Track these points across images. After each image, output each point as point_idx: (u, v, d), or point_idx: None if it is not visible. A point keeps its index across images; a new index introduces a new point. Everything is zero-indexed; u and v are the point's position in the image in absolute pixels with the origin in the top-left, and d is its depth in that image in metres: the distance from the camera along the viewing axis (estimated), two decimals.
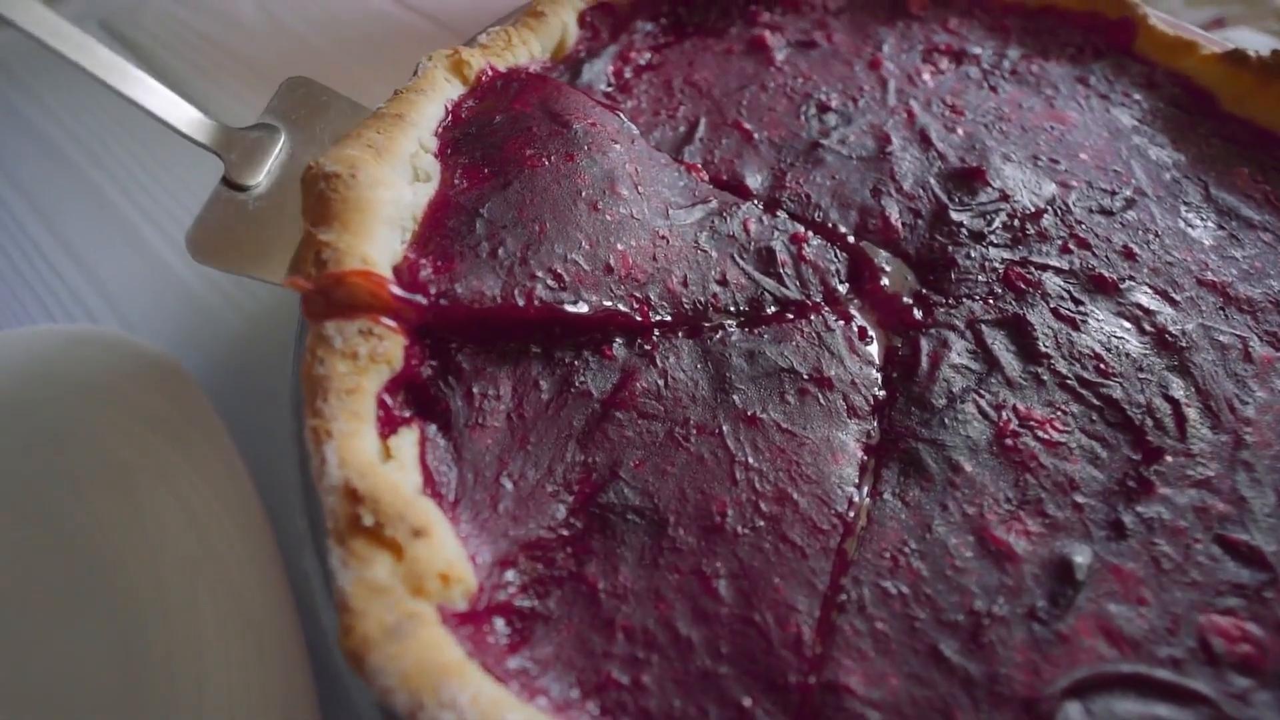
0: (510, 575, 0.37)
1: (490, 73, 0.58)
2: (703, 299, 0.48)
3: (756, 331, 0.48)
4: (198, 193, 0.78)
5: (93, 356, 0.59)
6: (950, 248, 0.53)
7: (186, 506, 0.52)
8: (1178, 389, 0.46)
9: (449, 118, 0.54)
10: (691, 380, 0.45)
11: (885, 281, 0.52)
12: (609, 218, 0.49)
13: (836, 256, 0.53)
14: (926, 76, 0.65)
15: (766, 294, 0.50)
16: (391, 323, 0.41)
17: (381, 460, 0.37)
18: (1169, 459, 0.43)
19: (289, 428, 0.46)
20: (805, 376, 0.46)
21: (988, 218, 0.55)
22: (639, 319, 0.46)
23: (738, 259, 0.51)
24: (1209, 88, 0.64)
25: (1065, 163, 0.59)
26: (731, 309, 0.49)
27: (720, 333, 0.48)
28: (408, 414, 0.41)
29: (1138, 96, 0.65)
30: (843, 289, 0.52)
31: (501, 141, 0.52)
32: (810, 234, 0.54)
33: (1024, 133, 0.61)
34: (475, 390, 0.42)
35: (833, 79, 0.64)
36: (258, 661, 0.46)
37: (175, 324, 0.69)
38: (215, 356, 0.66)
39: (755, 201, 0.55)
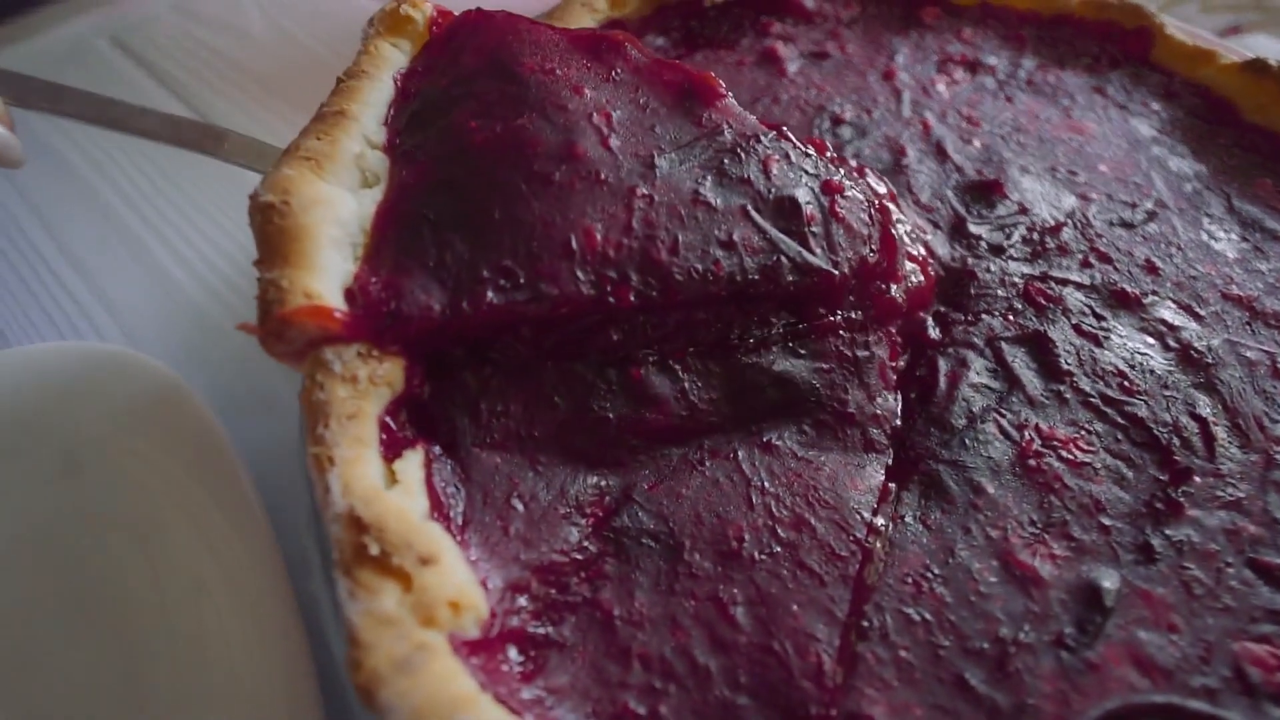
0: (523, 600, 0.36)
1: (441, 20, 0.51)
2: (700, 266, 0.42)
3: (795, 347, 0.45)
4: (205, 208, 0.78)
5: (99, 375, 0.58)
6: (969, 260, 0.52)
7: (195, 526, 0.51)
8: (1205, 407, 0.45)
9: (398, 96, 0.49)
10: (711, 406, 0.43)
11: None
12: (567, 188, 0.43)
13: (872, 220, 0.46)
14: (941, 87, 0.64)
15: (784, 260, 0.44)
16: (391, 347, 0.40)
17: (387, 485, 0.36)
18: (1197, 479, 0.42)
19: (298, 448, 0.45)
20: (827, 410, 0.44)
21: (1006, 231, 0.54)
22: (613, 301, 0.41)
23: (753, 212, 0.44)
24: (1229, 97, 0.63)
25: (1084, 175, 0.58)
26: (739, 277, 0.43)
27: (758, 354, 0.45)
28: (411, 435, 0.39)
29: (1156, 106, 0.64)
30: (874, 257, 0.46)
31: (449, 113, 0.46)
32: (848, 183, 0.46)
33: (1041, 144, 0.60)
34: (483, 407, 0.41)
35: (846, 90, 0.64)
36: (266, 686, 0.46)
37: (182, 340, 0.68)
38: (222, 373, 0.66)
39: (778, 135, 0.47)
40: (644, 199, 0.43)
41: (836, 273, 0.45)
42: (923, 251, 0.51)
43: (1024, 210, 0.55)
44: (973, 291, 0.51)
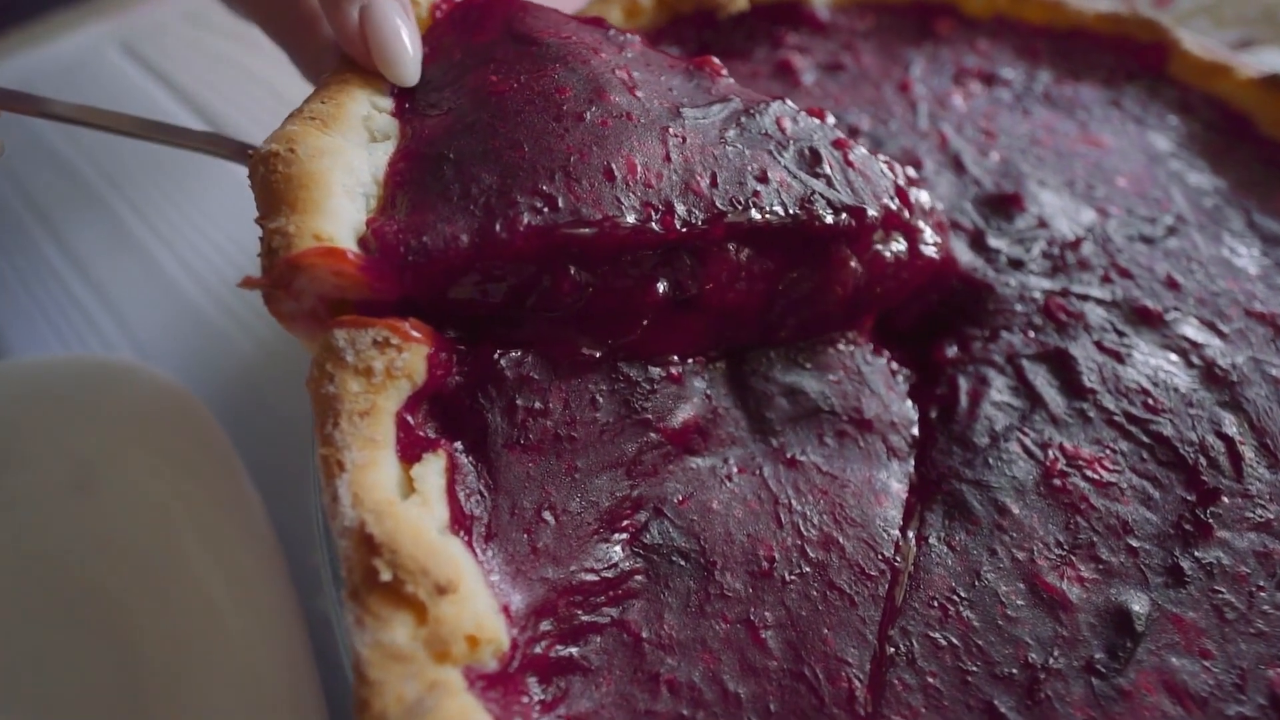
0: (546, 625, 0.34)
1: (444, 5, 0.51)
2: (742, 197, 0.42)
3: (799, 360, 0.46)
4: (214, 218, 0.78)
5: (106, 386, 0.58)
6: (989, 273, 0.52)
7: (204, 543, 0.50)
8: (1231, 425, 0.44)
9: None
10: (726, 413, 0.43)
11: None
12: (601, 125, 0.42)
13: (885, 174, 0.47)
14: (958, 99, 0.64)
15: (818, 195, 0.44)
16: (414, 333, 0.36)
17: (403, 495, 0.33)
18: (1226, 500, 0.41)
19: (305, 459, 0.44)
20: (844, 419, 0.44)
21: (1026, 245, 0.53)
22: (658, 230, 0.40)
23: (777, 156, 0.45)
24: (1246, 112, 0.62)
25: (1103, 189, 0.57)
26: (779, 209, 0.43)
27: (762, 366, 0.45)
28: (433, 434, 0.36)
29: (1173, 120, 0.63)
30: (895, 205, 0.46)
31: (463, 77, 0.45)
32: (854, 141, 0.48)
33: (1059, 157, 0.59)
34: (519, 403, 0.38)
35: (862, 102, 0.63)
36: (272, 708, 0.45)
37: (189, 350, 0.68)
38: (229, 384, 0.66)
39: (785, 100, 0.49)
40: (677, 136, 0.43)
41: (869, 210, 0.45)
42: (939, 206, 0.52)
43: (1043, 224, 0.54)
44: (991, 307, 0.50)
